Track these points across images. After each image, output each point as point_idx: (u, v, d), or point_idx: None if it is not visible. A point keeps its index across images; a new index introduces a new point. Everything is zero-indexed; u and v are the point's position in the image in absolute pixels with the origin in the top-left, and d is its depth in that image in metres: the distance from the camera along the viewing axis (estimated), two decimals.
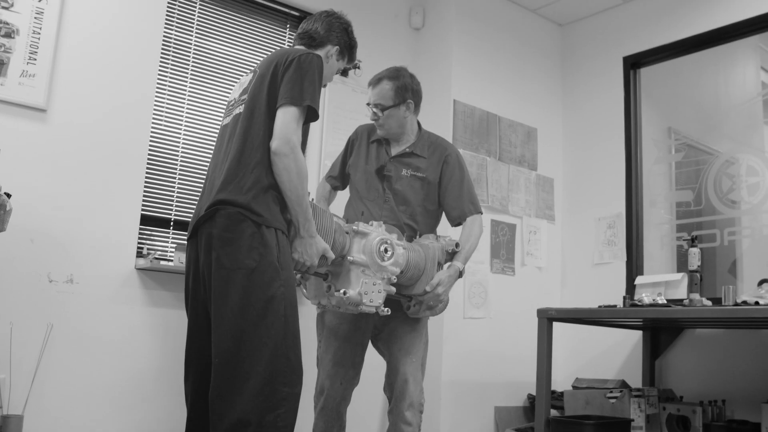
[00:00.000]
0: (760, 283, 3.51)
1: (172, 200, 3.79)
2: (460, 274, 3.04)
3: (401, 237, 2.91)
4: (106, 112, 3.52)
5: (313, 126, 4.28)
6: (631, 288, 4.33)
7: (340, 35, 2.76)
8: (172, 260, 3.65)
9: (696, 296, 3.55)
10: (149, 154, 3.70)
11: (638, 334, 4.35)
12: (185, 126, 3.89)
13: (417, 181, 3.12)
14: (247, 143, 2.41)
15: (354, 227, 2.68)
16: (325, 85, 2.74)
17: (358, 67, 4.44)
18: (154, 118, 3.74)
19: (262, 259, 2.30)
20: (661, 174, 4.65)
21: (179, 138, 3.86)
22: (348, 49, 2.82)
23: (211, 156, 2.67)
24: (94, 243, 3.43)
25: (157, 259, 3.56)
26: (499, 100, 4.89)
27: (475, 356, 4.41)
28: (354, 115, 4.37)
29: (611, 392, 3.76)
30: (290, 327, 2.31)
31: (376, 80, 3.14)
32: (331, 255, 2.56)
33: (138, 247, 3.60)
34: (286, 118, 2.39)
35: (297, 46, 2.73)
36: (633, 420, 3.72)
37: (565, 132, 5.24)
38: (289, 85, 2.42)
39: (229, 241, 2.32)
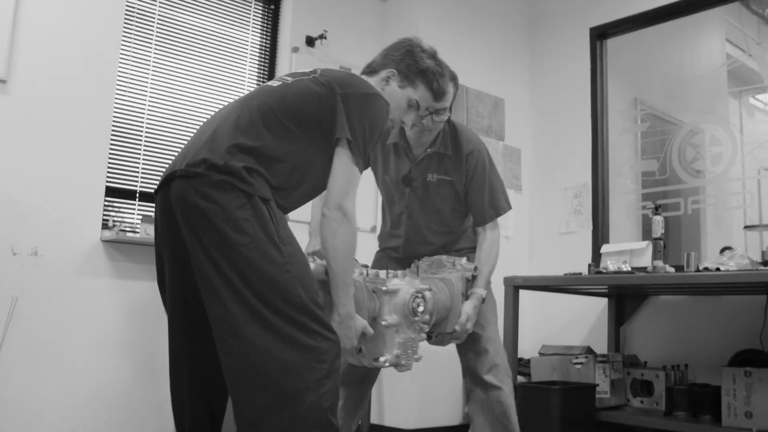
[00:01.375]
0: (722, 250, 3.57)
1: (138, 172, 3.76)
2: (483, 299, 2.87)
3: (424, 272, 2.84)
4: (69, 83, 3.47)
5: None
6: (596, 256, 4.38)
7: (401, 58, 2.40)
8: (138, 232, 3.63)
9: (660, 263, 3.61)
10: (113, 126, 3.65)
11: (604, 301, 4.42)
12: (150, 97, 3.85)
13: (445, 186, 2.89)
14: (266, 122, 2.12)
15: (383, 288, 2.46)
16: (401, 124, 2.52)
17: (325, 38, 4.43)
18: (117, 89, 3.69)
19: (257, 233, 1.99)
20: (627, 144, 4.70)
21: (144, 109, 3.82)
22: (416, 74, 2.40)
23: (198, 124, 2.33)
24: (59, 215, 3.40)
25: (123, 231, 3.54)
26: (467, 71, 4.88)
27: None
28: None
29: (577, 358, 3.82)
30: (308, 303, 2.02)
31: (447, 84, 2.65)
32: (371, 332, 2.34)
33: (103, 219, 3.57)
34: (345, 184, 2.13)
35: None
36: (598, 385, 3.78)
37: (532, 102, 5.26)
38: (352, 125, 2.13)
39: (212, 214, 2.00)
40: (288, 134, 2.13)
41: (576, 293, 4.27)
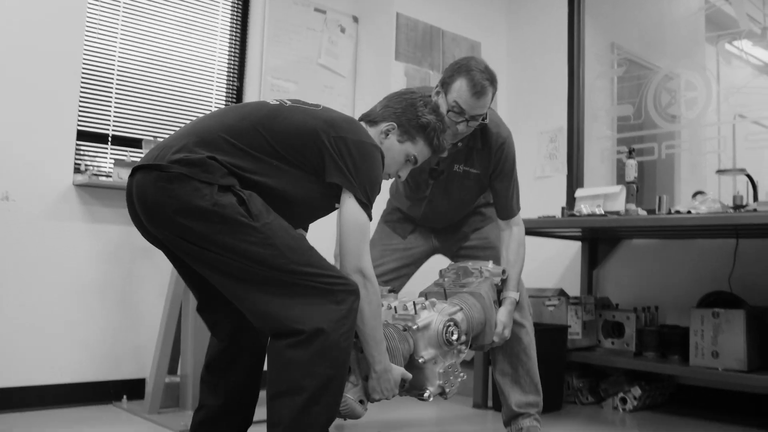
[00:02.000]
0: (695, 195, 3.60)
1: (110, 115, 3.71)
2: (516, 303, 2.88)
3: (452, 284, 2.81)
4: (36, 23, 3.39)
5: (253, 41, 4.24)
6: (571, 201, 4.41)
7: (402, 111, 2.37)
8: (111, 176, 3.60)
9: (632, 207, 3.64)
10: (84, 68, 3.59)
11: (577, 245, 4.46)
12: (121, 38, 3.78)
13: (471, 178, 2.86)
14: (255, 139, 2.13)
15: (414, 327, 2.44)
16: (396, 176, 2.45)
17: None
18: (87, 31, 3.62)
19: (224, 219, 2.02)
20: (603, 89, 4.70)
21: (115, 51, 3.75)
22: (416, 129, 2.37)
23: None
24: (30, 159, 3.36)
25: (95, 175, 3.51)
26: (443, 14, 4.84)
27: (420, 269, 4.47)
28: (297, 29, 4.30)
29: (549, 300, 3.87)
30: (304, 261, 2.08)
31: (482, 90, 2.59)
32: (409, 377, 2.37)
33: (75, 163, 3.53)
34: (357, 238, 2.15)
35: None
36: (570, 326, 3.84)
37: (509, 46, 5.23)
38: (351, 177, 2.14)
39: (172, 209, 2.05)
40: (272, 161, 2.14)
41: (550, 236, 4.31)
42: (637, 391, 3.78)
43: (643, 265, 4.26)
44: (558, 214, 3.94)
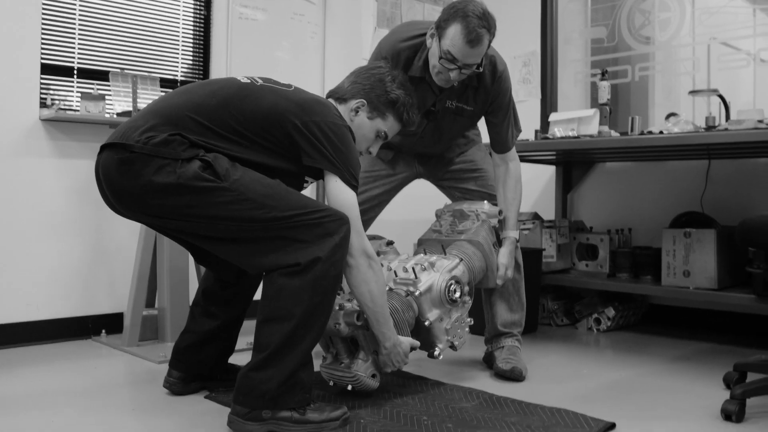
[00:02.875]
0: (668, 116, 3.60)
1: (74, 47, 3.61)
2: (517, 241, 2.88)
3: (449, 231, 2.81)
4: None
5: None
6: (545, 125, 4.40)
7: (370, 88, 2.36)
8: (78, 110, 3.53)
9: (605, 129, 3.64)
10: None
11: (551, 169, 4.47)
12: None
13: (463, 114, 2.81)
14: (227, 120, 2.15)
15: (416, 292, 2.48)
16: (366, 153, 2.46)
17: None
18: None
19: (182, 177, 2.04)
20: (577, 11, 4.64)
21: None
22: (386, 105, 2.36)
23: None
24: None
25: (62, 109, 3.44)
26: None
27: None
28: None
29: (524, 224, 3.89)
30: (283, 206, 2.10)
31: (477, 38, 2.48)
32: (417, 344, 2.44)
33: (41, 98, 3.45)
34: (353, 219, 2.17)
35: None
36: (544, 249, 3.88)
37: None
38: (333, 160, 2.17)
39: (140, 189, 2.07)
40: (241, 140, 2.15)
41: (524, 161, 4.28)
42: (610, 312, 3.85)
43: (617, 188, 4.29)
44: (531, 138, 3.93)
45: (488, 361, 2.99)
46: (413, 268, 2.54)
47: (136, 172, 2.06)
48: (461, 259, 2.65)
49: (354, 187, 2.21)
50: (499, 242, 2.85)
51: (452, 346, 2.61)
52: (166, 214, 2.12)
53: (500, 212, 2.83)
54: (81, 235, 3.54)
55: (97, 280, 3.60)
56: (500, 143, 2.88)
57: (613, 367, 3.05)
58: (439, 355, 2.55)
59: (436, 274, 2.54)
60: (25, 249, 3.37)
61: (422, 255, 2.70)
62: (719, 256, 3.34)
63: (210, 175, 2.06)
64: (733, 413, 2.28)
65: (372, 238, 2.73)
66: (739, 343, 3.55)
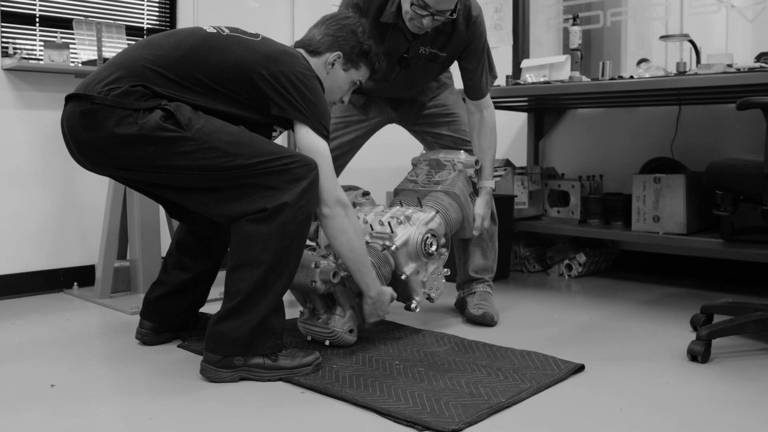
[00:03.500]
0: (639, 62, 3.59)
1: None
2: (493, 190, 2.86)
3: (425, 181, 2.78)
4: None
5: None
6: (517, 72, 4.37)
7: (344, 40, 2.34)
8: (42, 59, 3.45)
9: (576, 74, 3.63)
10: None
11: (523, 116, 4.47)
12: None
13: (437, 61, 2.77)
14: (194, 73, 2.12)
15: (392, 247, 2.47)
16: (338, 102, 2.47)
17: None
18: None
19: (143, 128, 2.02)
20: None
21: None
22: (359, 55, 2.37)
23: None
24: None
25: (25, 58, 3.36)
26: None
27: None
28: None
29: (496, 171, 3.89)
30: (248, 153, 2.09)
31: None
32: (395, 295, 2.47)
33: (2, 47, 3.37)
34: (326, 169, 2.17)
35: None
36: (516, 196, 3.89)
37: None
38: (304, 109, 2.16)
39: (102, 142, 2.06)
40: (206, 92, 2.13)
41: (496, 107, 4.26)
42: (581, 258, 3.89)
43: (588, 135, 4.30)
44: (503, 84, 3.92)
45: (460, 307, 3.02)
46: (389, 222, 2.54)
47: (97, 123, 2.04)
48: (437, 211, 2.65)
49: (325, 137, 2.20)
50: (475, 191, 2.85)
51: (429, 298, 2.63)
52: (130, 166, 2.10)
53: (477, 162, 2.81)
54: (49, 188, 3.49)
55: (67, 233, 3.56)
56: (474, 90, 2.85)
57: (584, 312, 3.09)
58: (416, 307, 2.58)
59: (413, 227, 2.54)
60: None
61: (398, 207, 2.70)
62: (688, 201, 3.37)
63: (172, 125, 2.04)
64: (699, 354, 2.32)
65: (348, 188, 2.73)
66: (706, 287, 3.61)
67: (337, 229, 2.21)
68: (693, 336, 2.48)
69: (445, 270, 2.69)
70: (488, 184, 2.84)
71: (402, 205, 2.74)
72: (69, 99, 2.14)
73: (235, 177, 2.08)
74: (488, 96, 2.88)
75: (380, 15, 2.63)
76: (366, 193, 2.80)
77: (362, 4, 2.60)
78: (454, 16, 2.58)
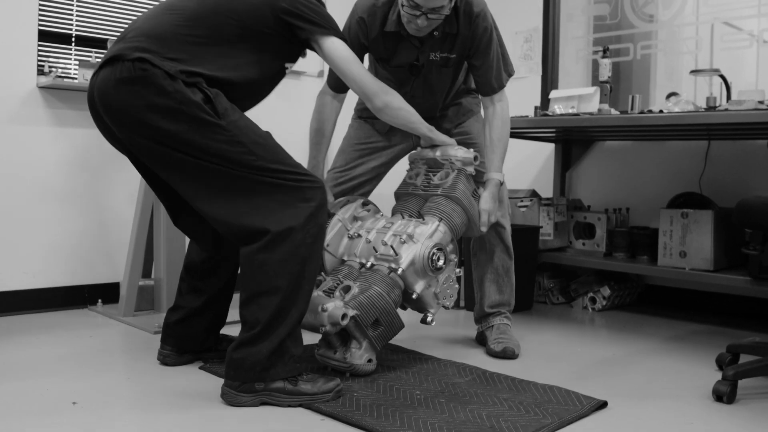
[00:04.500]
0: (669, 96, 3.58)
1: (72, 14, 3.58)
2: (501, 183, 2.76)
3: (424, 187, 2.71)
4: None
5: None
6: (545, 102, 4.37)
7: None
8: (76, 78, 3.51)
9: (605, 107, 3.62)
10: None
11: (550, 147, 4.46)
12: None
13: (449, 65, 2.75)
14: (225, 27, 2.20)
15: (399, 270, 2.42)
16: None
17: None
18: None
19: (190, 117, 2.06)
20: None
21: None
22: None
23: None
24: None
25: (60, 77, 3.42)
26: None
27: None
28: None
29: (522, 201, 3.89)
30: (270, 157, 2.14)
31: None
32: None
33: (39, 65, 3.43)
34: (355, 68, 2.37)
35: None
36: (542, 227, 3.87)
37: None
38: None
39: (136, 109, 2.07)
40: (237, 42, 2.21)
41: (523, 137, 4.29)
42: (606, 291, 3.86)
43: (615, 167, 4.28)
44: (531, 114, 3.91)
45: (481, 341, 3.00)
46: (392, 245, 2.49)
47: (136, 92, 2.06)
48: (440, 219, 2.57)
49: (344, 39, 2.36)
50: (483, 183, 2.75)
51: (444, 307, 2.58)
52: (157, 137, 2.09)
53: (476, 158, 2.66)
54: (78, 204, 3.53)
55: (94, 250, 3.60)
56: (484, 85, 2.78)
57: (607, 346, 3.06)
58: (432, 321, 2.53)
59: (417, 245, 2.47)
60: (22, 217, 3.37)
61: (400, 221, 2.61)
62: (716, 237, 3.34)
63: (210, 109, 2.08)
64: (724, 394, 2.28)
65: (347, 201, 2.71)
66: (733, 325, 3.56)
67: (392, 115, 2.46)
68: (718, 375, 2.44)
69: (458, 270, 2.62)
70: (496, 176, 2.73)
71: (403, 216, 2.65)
72: (101, 68, 2.14)
73: (250, 178, 2.10)
74: (503, 91, 2.81)
75: (384, 25, 2.65)
76: (366, 203, 2.74)
77: (367, 19, 2.63)
78: (447, 13, 2.54)
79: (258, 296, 2.10)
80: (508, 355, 2.78)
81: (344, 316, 2.27)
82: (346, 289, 2.39)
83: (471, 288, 3.03)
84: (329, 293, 2.40)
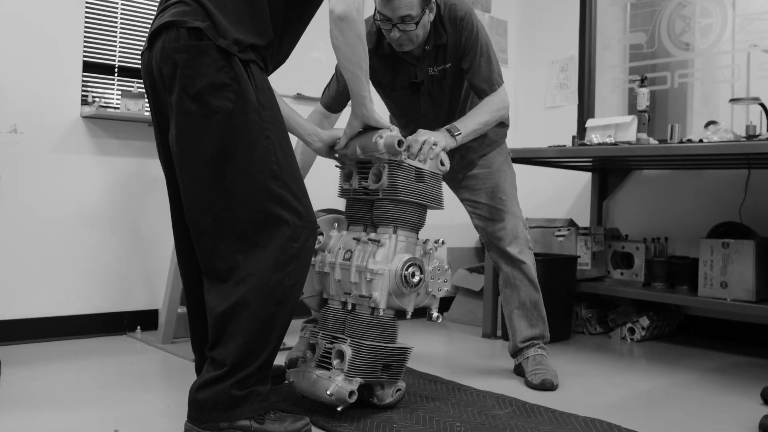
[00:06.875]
0: (707, 125, 3.55)
1: (115, 46, 3.66)
2: (450, 133, 2.57)
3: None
4: None
5: None
6: (582, 131, 4.37)
7: None
8: (118, 107, 3.57)
9: (643, 136, 3.60)
10: None
11: (587, 175, 4.44)
12: None
13: (447, 75, 2.74)
14: None
15: (380, 312, 2.31)
16: None
17: None
18: None
19: (239, 98, 1.99)
20: (616, 17, 4.60)
21: None
22: None
23: None
24: (36, 91, 3.33)
25: (102, 107, 3.48)
26: None
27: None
28: None
29: (559, 231, 3.87)
30: (286, 173, 2.06)
31: None
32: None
33: (82, 95, 3.50)
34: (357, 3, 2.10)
35: None
36: (579, 257, 3.85)
37: None
38: None
39: (190, 79, 1.97)
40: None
41: (560, 167, 4.28)
42: (645, 321, 3.82)
43: (654, 196, 4.24)
44: (569, 144, 3.91)
45: (519, 373, 2.98)
46: (362, 287, 2.33)
47: (200, 67, 1.98)
48: (395, 228, 2.38)
49: None
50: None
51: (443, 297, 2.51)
52: (197, 110, 1.99)
53: (399, 142, 2.31)
54: (119, 231, 3.58)
55: (133, 276, 3.64)
56: (476, 87, 2.75)
57: (647, 378, 3.02)
58: (438, 318, 2.45)
59: (383, 276, 2.29)
60: (64, 243, 3.42)
61: (356, 247, 2.40)
62: (758, 267, 3.29)
63: (255, 96, 2.01)
64: None
65: (330, 211, 2.63)
66: None
67: (346, 36, 2.11)
68: (765, 410, 2.39)
69: (440, 241, 2.47)
70: (449, 127, 2.60)
71: (358, 242, 2.42)
72: (159, 32, 2.04)
73: (263, 177, 2.02)
74: (501, 89, 2.76)
75: (379, 49, 2.69)
76: (338, 218, 2.60)
77: (368, 42, 2.59)
78: (417, 21, 2.52)
79: (228, 337, 2.00)
80: (546, 386, 2.76)
81: (351, 393, 2.20)
82: (340, 355, 2.27)
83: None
84: (324, 364, 2.31)
